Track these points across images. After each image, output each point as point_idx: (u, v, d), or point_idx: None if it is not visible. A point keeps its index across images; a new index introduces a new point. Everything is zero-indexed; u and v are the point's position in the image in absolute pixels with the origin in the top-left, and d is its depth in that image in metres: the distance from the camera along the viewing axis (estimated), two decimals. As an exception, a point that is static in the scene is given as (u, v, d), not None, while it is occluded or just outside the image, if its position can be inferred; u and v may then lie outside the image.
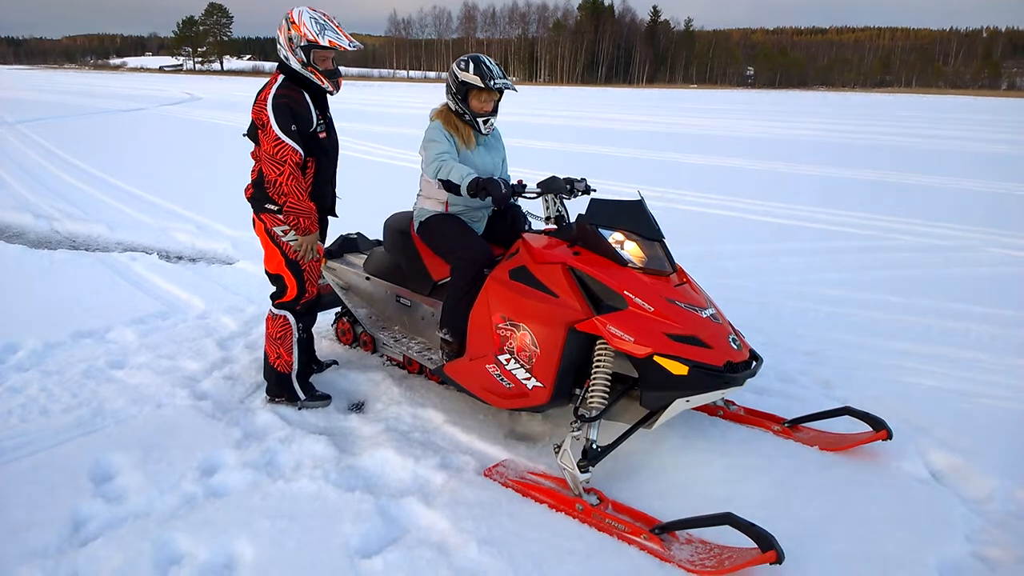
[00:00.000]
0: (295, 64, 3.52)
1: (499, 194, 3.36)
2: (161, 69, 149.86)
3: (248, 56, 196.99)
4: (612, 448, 3.12)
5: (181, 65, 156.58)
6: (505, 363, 3.31)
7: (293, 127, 3.46)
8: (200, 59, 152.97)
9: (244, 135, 3.70)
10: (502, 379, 3.34)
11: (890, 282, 6.54)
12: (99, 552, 2.65)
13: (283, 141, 3.43)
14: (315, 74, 3.54)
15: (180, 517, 2.87)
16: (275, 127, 3.42)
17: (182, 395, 3.92)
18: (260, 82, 4.14)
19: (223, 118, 24.73)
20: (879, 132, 25.54)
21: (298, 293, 3.79)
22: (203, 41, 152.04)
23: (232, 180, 11.23)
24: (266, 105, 3.46)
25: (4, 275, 6.03)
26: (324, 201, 3.83)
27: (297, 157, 3.48)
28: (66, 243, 7.70)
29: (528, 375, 3.23)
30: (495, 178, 3.39)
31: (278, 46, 3.57)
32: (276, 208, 3.58)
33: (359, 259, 4.60)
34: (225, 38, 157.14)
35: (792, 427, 3.64)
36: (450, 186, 3.55)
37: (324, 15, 3.54)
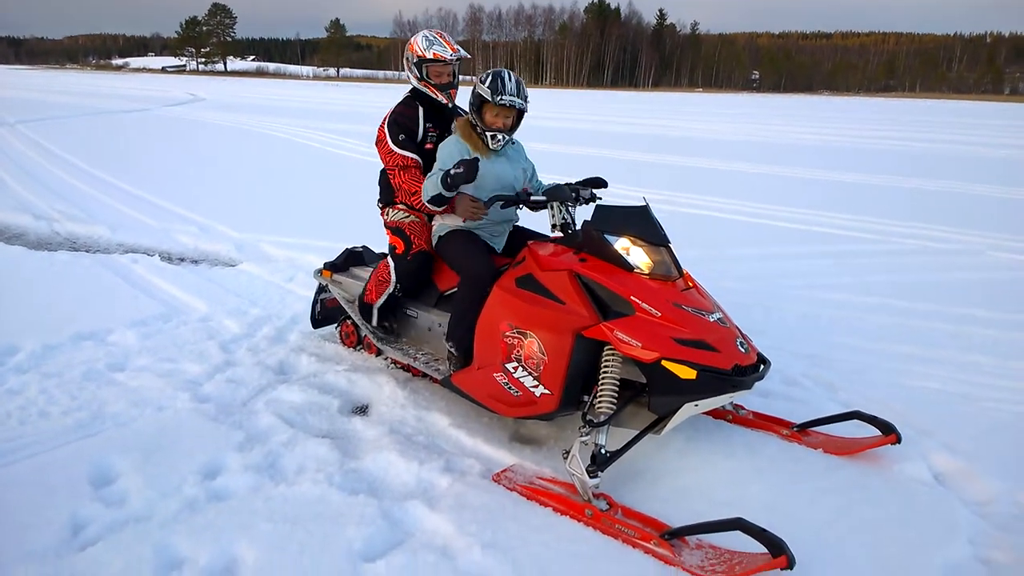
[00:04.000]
0: (412, 80, 4.01)
1: (463, 174, 3.36)
2: (164, 70, 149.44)
3: (252, 56, 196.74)
4: (621, 453, 3.11)
5: (184, 66, 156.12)
6: (512, 371, 3.29)
7: (402, 136, 3.94)
8: (203, 60, 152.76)
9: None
10: (510, 387, 3.32)
11: (893, 286, 6.52)
12: (99, 556, 2.63)
13: (394, 152, 3.93)
14: (429, 88, 3.96)
15: (181, 521, 2.84)
16: (388, 140, 3.94)
17: (183, 398, 3.89)
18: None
19: (226, 119, 24.73)
20: (882, 136, 25.51)
21: (405, 247, 4.09)
22: (206, 42, 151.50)
23: (234, 182, 11.30)
24: (384, 123, 3.98)
25: (4, 277, 6.00)
26: None
27: (411, 162, 3.92)
28: (66, 244, 7.66)
29: (536, 383, 3.21)
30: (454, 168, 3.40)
31: (405, 70, 4.08)
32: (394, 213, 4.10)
33: (365, 272, 4.59)
34: (228, 39, 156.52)
35: (801, 431, 3.62)
36: (442, 200, 3.56)
37: (437, 33, 4.01)
